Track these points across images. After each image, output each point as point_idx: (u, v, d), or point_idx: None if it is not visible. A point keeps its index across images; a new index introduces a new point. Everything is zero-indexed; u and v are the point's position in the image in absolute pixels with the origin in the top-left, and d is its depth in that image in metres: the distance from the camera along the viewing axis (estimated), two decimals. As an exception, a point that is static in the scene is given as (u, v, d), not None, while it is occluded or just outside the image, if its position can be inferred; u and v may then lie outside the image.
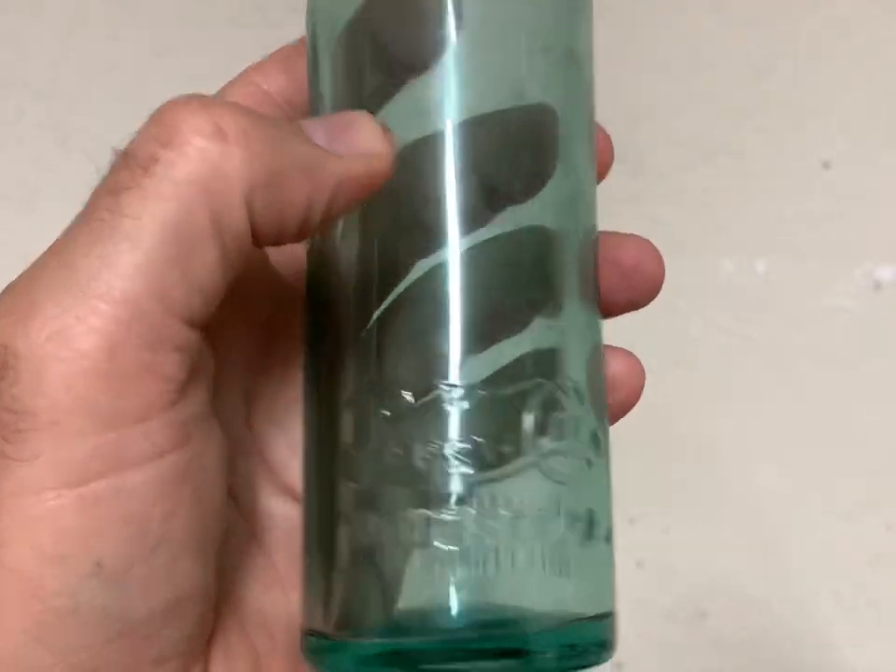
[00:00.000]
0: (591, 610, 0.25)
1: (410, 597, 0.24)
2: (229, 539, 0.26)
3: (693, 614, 0.54)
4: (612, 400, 0.29)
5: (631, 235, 0.29)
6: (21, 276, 0.22)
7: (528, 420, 0.24)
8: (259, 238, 0.22)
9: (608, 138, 0.30)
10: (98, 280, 0.21)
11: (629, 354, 0.30)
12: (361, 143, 0.23)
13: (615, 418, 0.29)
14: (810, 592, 0.54)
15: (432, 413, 0.24)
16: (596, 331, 0.27)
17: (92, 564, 0.21)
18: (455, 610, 0.24)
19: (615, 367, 0.29)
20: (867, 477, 0.56)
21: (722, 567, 0.54)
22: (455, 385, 0.24)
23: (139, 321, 0.21)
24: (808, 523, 0.55)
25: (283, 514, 0.28)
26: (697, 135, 0.61)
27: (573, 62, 0.27)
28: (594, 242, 0.27)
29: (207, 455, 0.23)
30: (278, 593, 0.28)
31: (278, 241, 0.23)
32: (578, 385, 0.26)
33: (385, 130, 0.24)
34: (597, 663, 0.25)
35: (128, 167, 0.21)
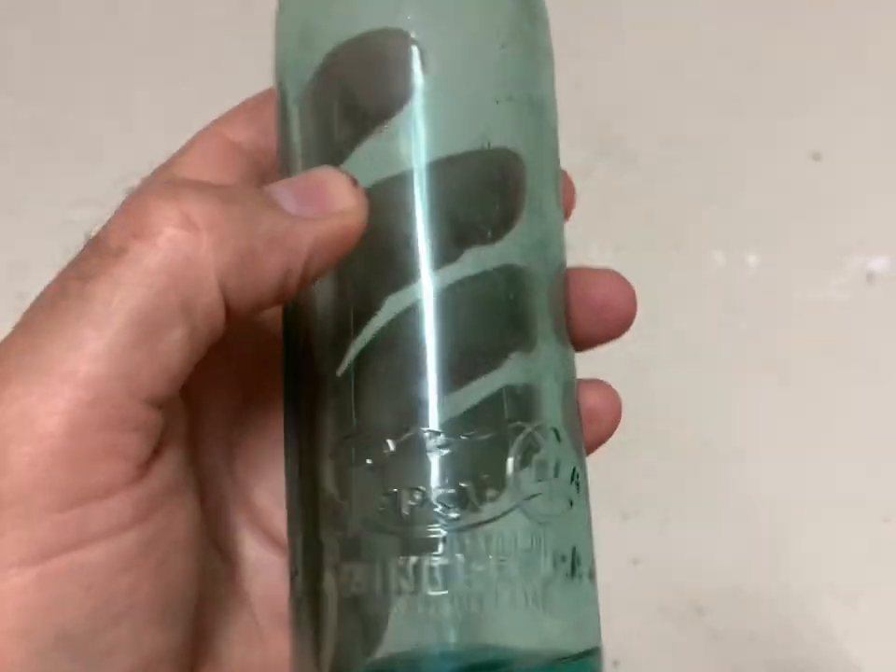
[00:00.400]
0: (577, 647, 0.25)
1: (398, 642, 0.24)
2: (212, 592, 0.27)
3: (689, 610, 0.54)
4: (590, 433, 0.29)
5: (602, 270, 0.30)
6: None
7: (510, 463, 0.25)
8: (235, 314, 0.23)
9: (571, 186, 0.30)
10: (63, 363, 0.21)
11: (605, 386, 0.30)
12: (332, 202, 0.24)
13: (592, 449, 0.30)
14: (807, 585, 0.54)
15: (414, 459, 0.24)
16: (570, 367, 0.28)
17: (56, 636, 0.21)
18: (442, 655, 0.24)
19: (592, 400, 0.29)
20: (863, 469, 0.56)
21: (718, 563, 0.54)
22: (435, 432, 0.25)
23: (102, 403, 0.21)
24: (804, 516, 0.55)
25: (267, 563, 0.28)
26: (686, 128, 0.61)
27: (536, 108, 0.27)
28: (563, 279, 0.28)
29: (175, 526, 0.24)
30: (259, 648, 0.28)
31: (255, 311, 0.24)
32: (556, 426, 0.26)
33: (354, 183, 0.24)
34: None
35: (98, 254, 0.22)
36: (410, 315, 0.25)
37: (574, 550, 0.26)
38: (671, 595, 0.54)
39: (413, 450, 0.24)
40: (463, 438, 0.25)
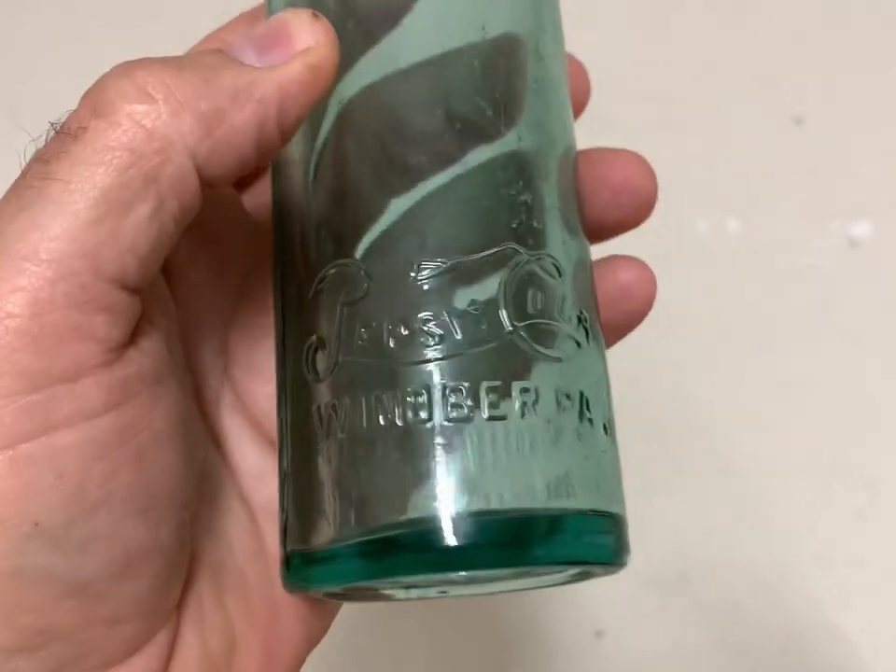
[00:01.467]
0: (588, 505, 0.24)
1: (397, 495, 0.23)
2: (212, 494, 0.26)
3: (674, 580, 0.54)
4: (626, 311, 0.28)
5: (620, 150, 0.29)
6: None
7: (500, 285, 0.24)
8: (213, 179, 0.23)
9: (584, 75, 0.29)
10: (24, 242, 0.21)
11: (640, 262, 0.29)
12: (294, 43, 0.23)
13: (630, 327, 0.29)
14: (792, 554, 0.54)
15: (398, 290, 0.23)
16: (583, 249, 0.26)
17: (30, 524, 0.21)
18: (445, 505, 0.22)
19: (627, 276, 0.28)
20: (847, 435, 0.56)
21: (703, 532, 0.54)
22: (430, 261, 0.23)
23: (66, 281, 0.21)
24: (788, 483, 0.55)
25: (269, 469, 0.28)
26: (666, 93, 0.61)
27: None
28: (571, 162, 0.26)
29: (154, 418, 0.23)
30: (261, 560, 0.27)
31: (242, 172, 0.23)
32: (558, 263, 0.25)
33: (316, 17, 0.23)
34: (598, 564, 0.24)
35: (59, 137, 0.22)
36: (411, 212, 0.24)
37: (581, 394, 0.24)
38: (656, 564, 0.54)
39: (393, 280, 0.23)
40: (444, 263, 0.23)
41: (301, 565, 0.24)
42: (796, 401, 0.56)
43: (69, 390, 0.21)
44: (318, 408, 0.24)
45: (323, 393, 0.24)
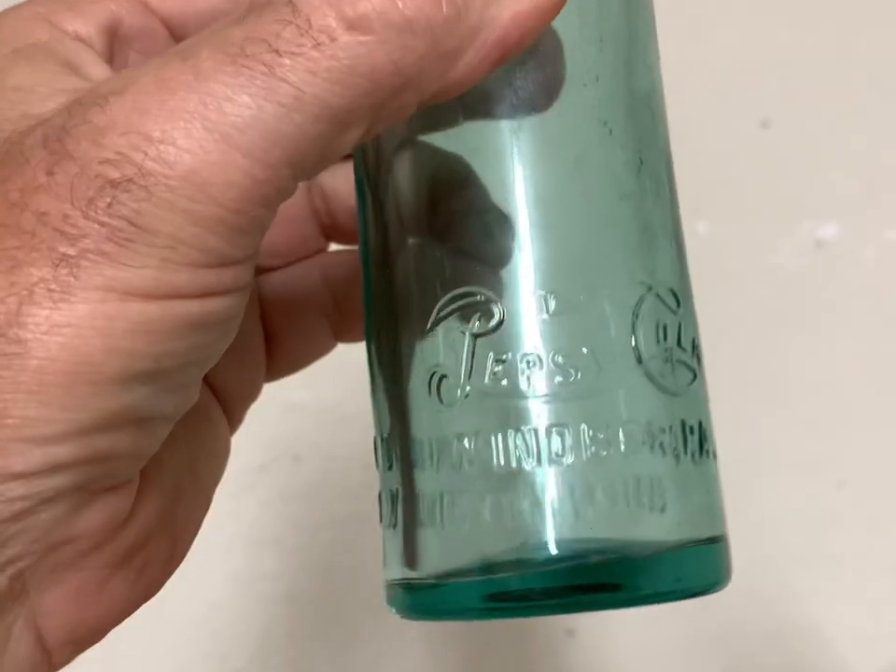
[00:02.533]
0: (705, 533, 0.24)
1: (506, 531, 0.23)
2: None
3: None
4: None
5: None
6: (142, 87, 0.21)
7: (632, 325, 0.23)
8: (436, 98, 0.22)
9: None
10: (245, 134, 0.20)
11: None
12: None
13: None
14: (764, 551, 0.54)
15: (528, 323, 0.23)
16: (679, 224, 0.26)
17: (153, 362, 0.21)
18: (558, 536, 0.23)
19: None
20: (817, 435, 0.56)
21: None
22: (551, 293, 0.23)
23: (271, 185, 0.21)
24: (760, 482, 0.55)
25: None
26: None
27: None
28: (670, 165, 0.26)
29: (247, 303, 0.24)
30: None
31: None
32: (674, 288, 0.25)
33: None
34: (712, 588, 0.24)
35: (296, 27, 0.21)
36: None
37: (701, 424, 0.24)
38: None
39: (528, 314, 0.23)
40: (580, 299, 0.23)
41: (405, 594, 0.24)
42: (765, 401, 0.57)
43: (236, 271, 0.22)
44: (444, 436, 0.24)
45: (448, 422, 0.23)
